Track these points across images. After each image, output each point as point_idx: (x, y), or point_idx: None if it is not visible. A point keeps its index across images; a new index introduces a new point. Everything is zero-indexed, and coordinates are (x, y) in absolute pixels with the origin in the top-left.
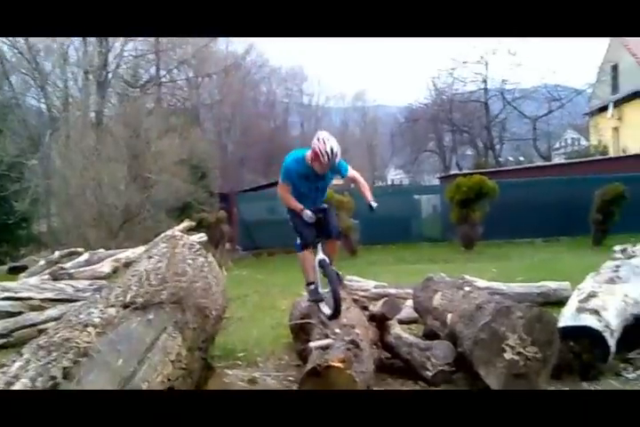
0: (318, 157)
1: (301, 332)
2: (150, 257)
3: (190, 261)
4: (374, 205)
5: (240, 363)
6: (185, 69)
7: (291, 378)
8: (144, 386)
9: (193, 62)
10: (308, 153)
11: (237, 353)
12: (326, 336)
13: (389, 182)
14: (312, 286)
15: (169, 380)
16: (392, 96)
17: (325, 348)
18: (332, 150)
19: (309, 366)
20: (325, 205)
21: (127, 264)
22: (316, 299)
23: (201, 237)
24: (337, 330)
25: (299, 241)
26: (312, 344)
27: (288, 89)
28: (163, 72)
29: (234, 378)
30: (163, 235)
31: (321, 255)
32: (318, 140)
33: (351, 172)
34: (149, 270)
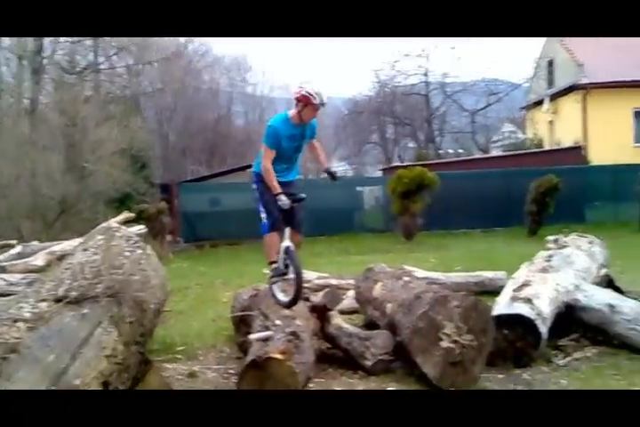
0: (309, 101)
1: (242, 324)
2: (85, 249)
3: (128, 254)
4: (335, 172)
5: (180, 357)
6: (124, 56)
7: (231, 371)
8: (77, 382)
9: (133, 49)
10: (292, 111)
11: (177, 347)
12: (267, 328)
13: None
14: (274, 265)
15: (103, 375)
16: (336, 88)
17: (266, 340)
18: (317, 89)
19: (249, 358)
20: (303, 195)
21: (62, 257)
22: (278, 273)
23: (140, 228)
24: (278, 322)
25: (266, 221)
26: (252, 336)
27: (231, 78)
28: (101, 59)
29: (173, 372)
30: (99, 227)
31: (288, 242)
32: (301, 87)
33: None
34: (84, 263)
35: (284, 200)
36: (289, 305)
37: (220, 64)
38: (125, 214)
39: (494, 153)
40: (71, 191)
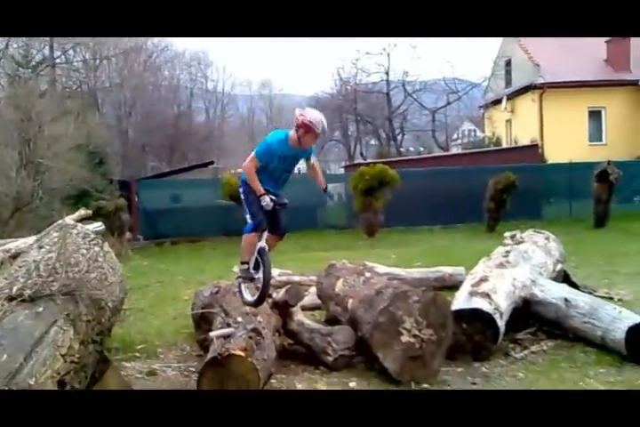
0: (312, 129)
1: (203, 321)
2: (41, 247)
3: (84, 251)
4: (285, 202)
5: (139, 355)
6: (81, 51)
7: (192, 368)
8: (31, 381)
9: (90, 43)
10: (292, 133)
11: (137, 345)
12: (228, 325)
13: (296, 171)
14: (246, 266)
15: (59, 374)
16: (298, 85)
17: (227, 337)
18: (319, 118)
19: (210, 355)
20: (286, 201)
21: (16, 255)
22: (246, 276)
23: (98, 225)
24: (239, 319)
25: (250, 221)
26: (213, 334)
27: (192, 74)
28: (57, 53)
29: (132, 371)
30: (55, 224)
31: (263, 243)
32: (304, 113)
33: (313, 158)
34: (39, 261)
35: (267, 201)
36: (253, 305)
37: (181, 59)
38: (82, 211)
39: (454, 151)
40: (26, 188)
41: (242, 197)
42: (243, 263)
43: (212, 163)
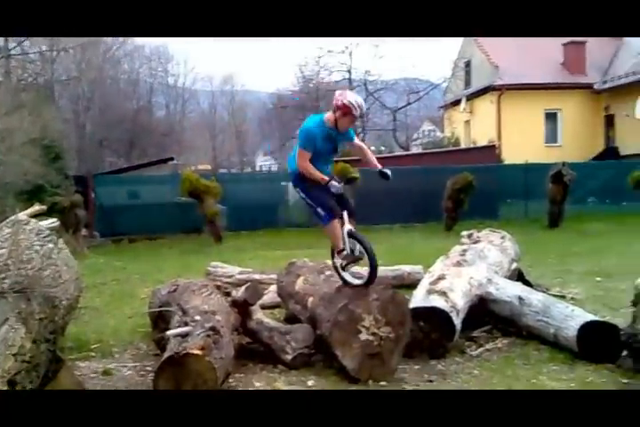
0: (350, 111)
1: (160, 320)
2: None
3: (37, 248)
4: (388, 172)
5: (94, 354)
6: (38, 42)
7: (148, 368)
8: None
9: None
10: (328, 114)
11: (91, 344)
12: (185, 324)
13: (258, 168)
14: (344, 253)
15: (9, 374)
16: (260, 81)
17: (184, 335)
18: (360, 101)
19: (167, 354)
20: (357, 175)
21: None
22: (353, 259)
23: (53, 222)
24: (197, 317)
25: (323, 212)
26: (170, 332)
27: (152, 68)
28: (12, 44)
29: (87, 370)
30: (8, 219)
31: (348, 226)
32: (342, 95)
33: (356, 139)
34: None
35: (336, 185)
36: (366, 284)
37: (141, 53)
38: (36, 207)
39: (414, 150)
40: None
41: (303, 196)
42: (340, 252)
43: (171, 159)
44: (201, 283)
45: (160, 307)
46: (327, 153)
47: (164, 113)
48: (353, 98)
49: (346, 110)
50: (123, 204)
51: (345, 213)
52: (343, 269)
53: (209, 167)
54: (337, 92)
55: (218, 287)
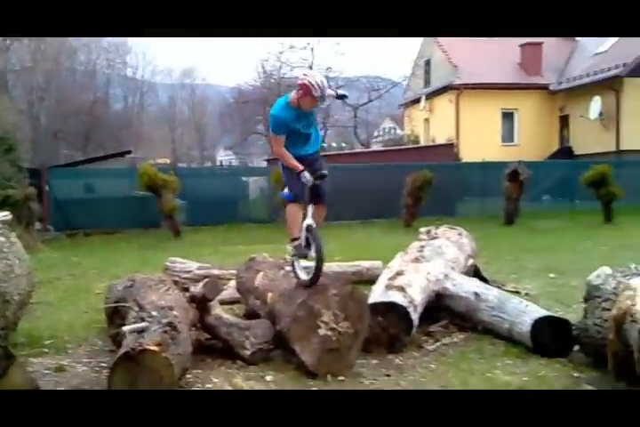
0: (310, 91)
1: (116, 316)
2: None
3: None
4: (324, 173)
5: (47, 351)
6: None
7: (103, 364)
8: None
9: None
10: (292, 94)
11: (45, 340)
12: (142, 320)
13: (218, 163)
14: (297, 242)
15: None
16: (221, 75)
17: (141, 331)
18: (321, 82)
19: (122, 350)
20: (325, 172)
21: None
22: (300, 253)
23: (5, 215)
24: (154, 313)
25: (287, 191)
26: (126, 328)
27: (110, 60)
28: None
29: (39, 367)
30: None
31: (309, 220)
32: (305, 75)
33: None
34: None
35: (307, 177)
36: (308, 284)
37: (98, 44)
38: None
39: (375, 148)
40: None
41: (281, 170)
42: (293, 240)
43: (129, 152)
44: (158, 278)
45: (116, 302)
46: (303, 130)
47: (122, 106)
48: (316, 78)
49: (306, 90)
50: (78, 197)
51: (310, 207)
52: (290, 255)
53: (168, 161)
54: (302, 72)
55: (176, 283)
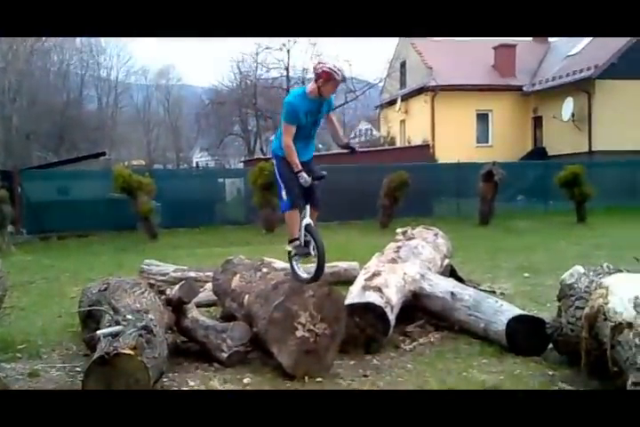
0: (332, 77)
1: (90, 320)
2: None
3: None
4: (355, 146)
5: (20, 355)
6: None
7: (78, 369)
8: None
9: None
10: (310, 86)
11: (18, 345)
12: (117, 323)
13: (194, 165)
14: (297, 242)
15: None
16: (197, 76)
17: (115, 335)
18: (336, 65)
19: (97, 354)
20: (324, 173)
21: None
22: (302, 252)
23: None
24: (129, 316)
25: (286, 197)
26: (100, 332)
27: (84, 60)
28: None
29: (12, 372)
30: None
31: (308, 219)
32: (320, 63)
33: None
34: None
35: (305, 178)
36: (311, 281)
37: (71, 44)
38: None
39: None
40: None
41: (276, 172)
42: (292, 241)
43: (103, 154)
44: (133, 281)
45: (90, 306)
46: (309, 127)
47: (96, 107)
48: (332, 64)
49: (328, 77)
50: (51, 200)
51: (308, 207)
52: (291, 257)
53: (143, 163)
54: (315, 62)
55: (151, 285)
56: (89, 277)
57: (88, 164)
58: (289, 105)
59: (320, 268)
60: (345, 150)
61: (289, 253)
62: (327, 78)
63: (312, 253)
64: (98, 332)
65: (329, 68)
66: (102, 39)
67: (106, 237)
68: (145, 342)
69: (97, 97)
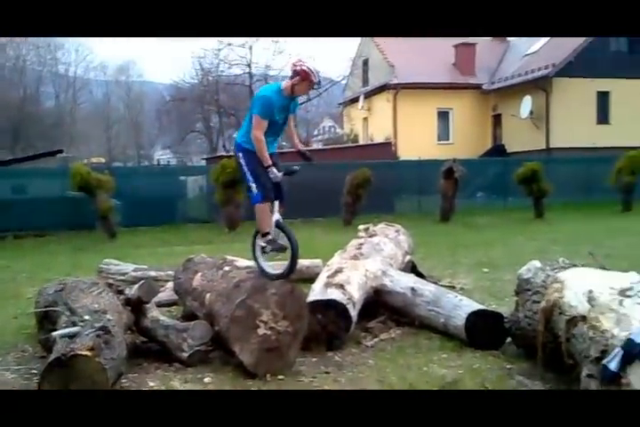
0: (309, 76)
1: (46, 321)
2: None
3: None
4: (296, 168)
5: None
6: None
7: (34, 371)
8: None
9: None
10: (285, 83)
11: None
12: (74, 324)
13: (156, 162)
14: (269, 237)
15: None
16: (158, 72)
17: (72, 336)
18: (315, 69)
19: (53, 356)
20: (296, 168)
21: None
22: (276, 246)
23: None
24: (86, 317)
25: (256, 191)
26: (56, 333)
27: (41, 56)
28: None
29: None
30: None
31: (278, 215)
32: (300, 61)
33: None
34: None
35: (275, 173)
36: (282, 277)
37: (28, 40)
38: None
39: (315, 146)
40: None
41: (244, 166)
42: (264, 235)
43: (60, 151)
44: (91, 281)
45: (46, 307)
46: (279, 124)
47: (54, 103)
48: (310, 65)
49: (305, 76)
50: (7, 198)
51: (276, 203)
52: (263, 252)
53: (103, 160)
54: (294, 60)
55: (110, 285)
56: (46, 277)
57: (45, 161)
58: (265, 99)
59: (293, 264)
60: (301, 157)
61: (253, 250)
62: (304, 78)
63: (287, 246)
64: (54, 333)
65: (308, 68)
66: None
67: (64, 236)
68: (103, 343)
69: (55, 93)
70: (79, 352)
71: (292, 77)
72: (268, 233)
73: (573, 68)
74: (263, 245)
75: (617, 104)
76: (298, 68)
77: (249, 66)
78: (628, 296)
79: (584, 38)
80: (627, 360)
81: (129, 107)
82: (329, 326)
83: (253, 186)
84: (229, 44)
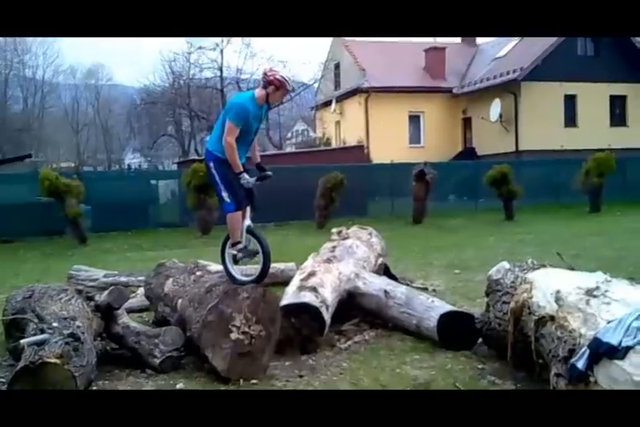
0: (284, 85)
1: (14, 329)
2: None
3: None
4: (269, 173)
5: None
6: None
7: (2, 379)
8: None
9: None
10: (258, 91)
11: None
12: (42, 331)
13: (126, 166)
14: (240, 245)
15: None
16: (128, 76)
17: (40, 344)
18: (289, 77)
19: (21, 364)
20: (269, 173)
21: None
22: (248, 253)
23: None
24: (55, 324)
25: (229, 200)
26: (24, 341)
27: (7, 60)
28: None
29: None
30: None
31: (248, 221)
32: (272, 71)
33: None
34: None
35: (247, 179)
36: (254, 282)
37: None
38: None
39: (288, 150)
40: None
41: (215, 175)
42: (235, 244)
43: (29, 156)
44: (60, 287)
45: (14, 314)
46: (250, 132)
47: (21, 107)
48: (284, 73)
49: (279, 85)
50: None
51: (247, 209)
52: (235, 262)
53: (72, 165)
54: (266, 69)
55: (79, 292)
56: (14, 284)
57: (13, 166)
58: (240, 107)
59: (265, 268)
60: (258, 171)
61: (222, 257)
62: (278, 87)
63: (259, 250)
64: (22, 341)
65: (281, 77)
66: (28, 38)
67: (32, 242)
68: (72, 350)
69: (22, 97)
70: (48, 360)
71: (264, 87)
72: (239, 242)
73: (541, 71)
74: (234, 253)
75: (584, 107)
76: (271, 77)
77: (220, 69)
78: (595, 296)
79: (551, 42)
80: (594, 359)
81: (98, 111)
82: (303, 330)
83: (225, 195)
84: (200, 48)
